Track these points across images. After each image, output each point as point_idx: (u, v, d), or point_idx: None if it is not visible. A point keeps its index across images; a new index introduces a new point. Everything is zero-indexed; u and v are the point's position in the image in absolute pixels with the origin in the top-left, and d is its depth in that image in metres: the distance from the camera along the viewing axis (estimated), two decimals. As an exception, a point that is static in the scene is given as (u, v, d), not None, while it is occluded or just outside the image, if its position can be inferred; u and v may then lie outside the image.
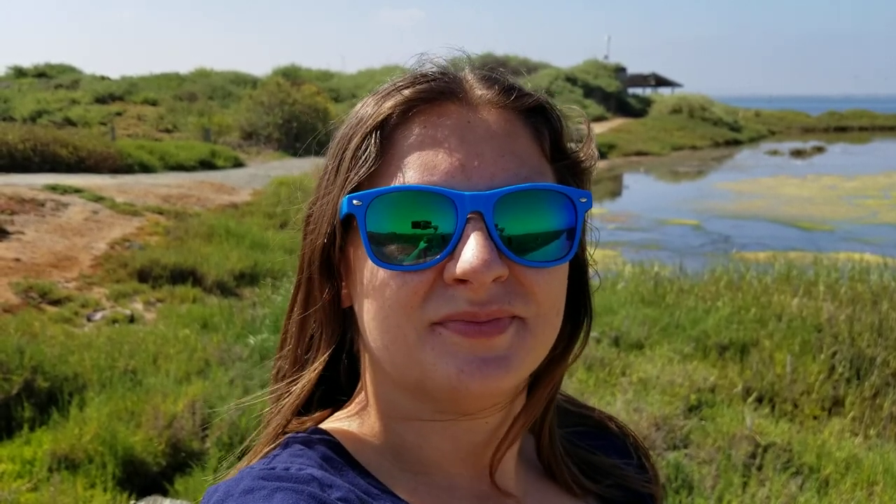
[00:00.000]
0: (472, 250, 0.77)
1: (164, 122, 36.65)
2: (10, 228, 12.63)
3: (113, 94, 41.07)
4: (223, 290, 10.95)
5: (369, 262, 0.82)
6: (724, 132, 61.44)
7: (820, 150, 53.39)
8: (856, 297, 9.78)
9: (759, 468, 5.41)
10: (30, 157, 20.67)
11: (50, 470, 5.20)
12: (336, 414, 0.96)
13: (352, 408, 0.96)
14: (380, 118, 0.84)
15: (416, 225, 0.80)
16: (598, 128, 50.08)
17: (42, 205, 14.40)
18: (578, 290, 0.96)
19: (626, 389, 6.82)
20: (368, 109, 0.87)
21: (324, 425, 0.93)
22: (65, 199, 15.28)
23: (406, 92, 0.85)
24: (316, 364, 0.93)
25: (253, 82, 44.78)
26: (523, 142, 0.85)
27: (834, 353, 7.94)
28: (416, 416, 0.89)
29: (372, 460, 0.89)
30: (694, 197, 28.57)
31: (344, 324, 0.93)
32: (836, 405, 7.27)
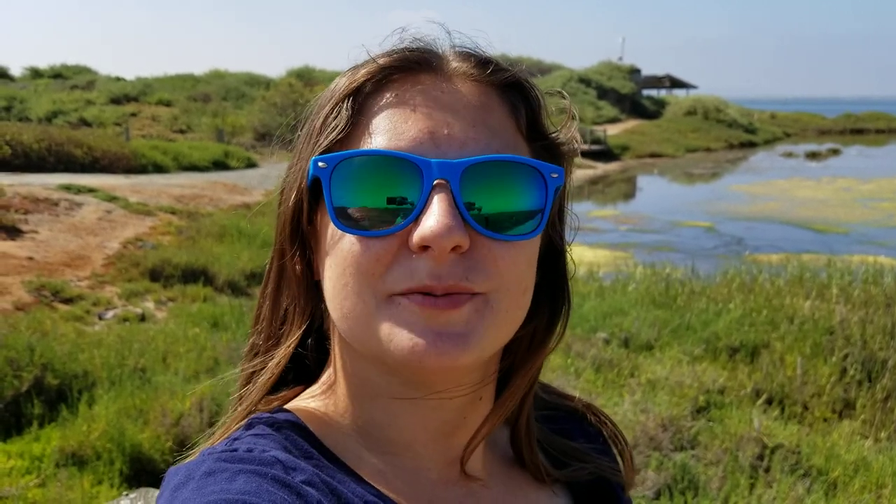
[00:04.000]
0: (433, 215, 0.76)
1: (178, 122, 36.88)
2: (23, 227, 12.73)
3: (128, 95, 41.36)
4: (234, 289, 11.00)
5: (333, 227, 0.81)
6: (739, 134, 61.21)
7: (835, 152, 53.08)
8: (869, 299, 9.72)
9: (767, 470, 5.38)
10: (44, 157, 20.83)
11: (58, 466, 5.23)
12: (303, 394, 0.95)
13: (319, 387, 0.94)
14: (353, 86, 0.84)
15: (391, 200, 0.79)
16: (612, 129, 49.99)
17: (56, 204, 14.51)
18: (556, 276, 0.94)
19: (634, 390, 6.80)
20: (342, 80, 0.86)
21: (290, 405, 0.91)
22: (78, 198, 15.39)
23: (381, 61, 0.84)
24: (290, 340, 0.92)
25: (266, 83, 44.97)
26: (497, 116, 0.84)
27: (845, 356, 7.89)
28: (385, 393, 0.87)
29: (338, 441, 0.87)
30: (707, 199, 28.46)
31: (317, 298, 0.91)
32: (846, 408, 7.23)
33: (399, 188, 0.78)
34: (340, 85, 0.86)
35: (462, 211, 0.78)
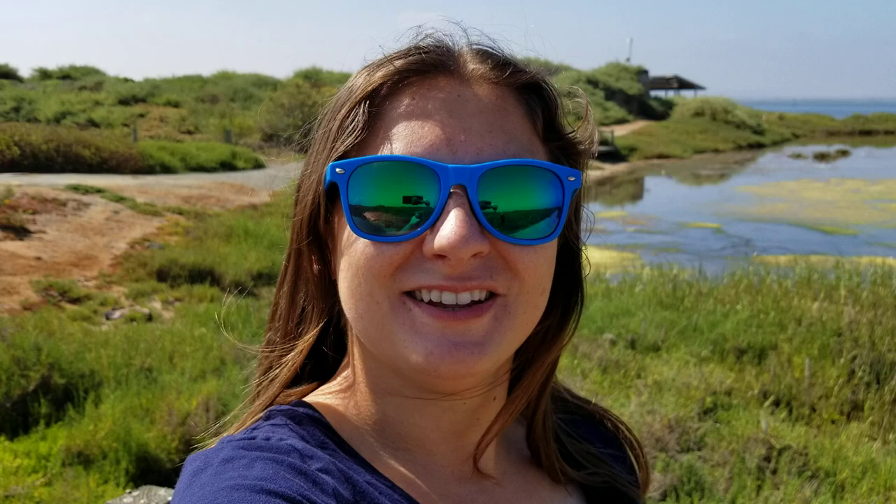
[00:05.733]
0: (450, 225, 0.76)
1: (185, 123, 36.94)
2: (31, 228, 12.77)
3: (136, 96, 41.43)
4: (241, 289, 11.00)
5: (349, 229, 0.82)
6: (747, 135, 61.04)
7: (844, 153, 52.89)
8: (877, 301, 9.65)
9: (774, 472, 5.36)
10: (53, 158, 20.90)
11: (64, 465, 5.24)
12: (321, 388, 0.96)
13: (337, 382, 0.95)
14: (369, 88, 0.83)
15: (406, 199, 0.79)
16: (619, 130, 49.90)
17: (64, 204, 14.55)
18: (571, 275, 0.94)
19: (640, 391, 6.78)
20: (360, 80, 0.86)
21: (308, 399, 0.93)
22: (86, 198, 15.43)
23: (398, 63, 0.83)
24: (308, 336, 0.93)
25: (274, 84, 45.01)
26: (514, 118, 0.84)
27: (854, 358, 7.84)
28: (398, 392, 0.88)
29: (353, 434, 0.88)
30: (715, 200, 28.38)
31: (334, 296, 0.92)
32: (855, 409, 7.18)
33: (416, 189, 0.79)
34: (357, 86, 0.85)
35: (480, 217, 0.78)
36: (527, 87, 0.86)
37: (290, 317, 0.95)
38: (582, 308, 0.95)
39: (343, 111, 0.85)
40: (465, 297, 0.79)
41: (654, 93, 78.05)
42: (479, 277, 0.79)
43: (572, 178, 0.83)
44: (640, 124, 58.68)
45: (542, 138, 0.86)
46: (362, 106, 0.83)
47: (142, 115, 38.11)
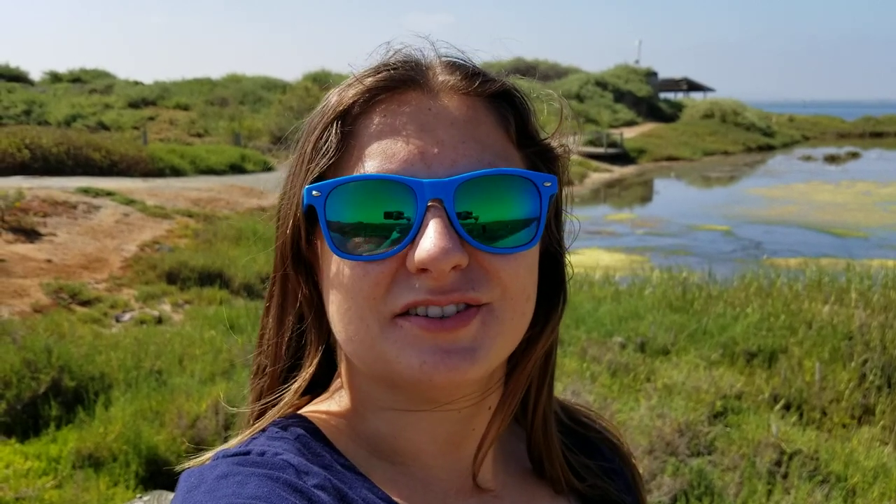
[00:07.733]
0: (429, 239, 0.76)
1: (195, 126, 37.10)
2: (42, 230, 12.83)
3: (146, 99, 41.63)
4: (250, 292, 11.04)
5: (332, 254, 0.82)
6: (757, 137, 60.86)
7: (855, 155, 52.69)
8: (889, 304, 9.60)
9: (785, 476, 5.33)
10: (63, 161, 21.00)
11: (74, 467, 5.26)
12: (314, 401, 0.95)
13: (329, 396, 0.95)
14: (340, 108, 0.83)
15: (387, 215, 0.79)
16: (628, 132, 49.80)
17: (74, 207, 14.62)
18: (555, 279, 0.94)
19: (650, 395, 6.76)
20: (331, 100, 0.86)
21: (302, 411, 0.92)
22: (97, 201, 15.50)
23: (367, 81, 0.84)
24: (312, 362, 0.92)
25: (283, 87, 45.09)
26: (486, 128, 0.84)
27: (865, 361, 7.80)
28: (390, 407, 0.88)
29: (349, 448, 0.88)
30: (725, 202, 28.32)
31: (325, 316, 0.91)
32: (866, 413, 7.14)
33: (395, 205, 0.79)
34: (328, 107, 0.85)
35: (458, 229, 0.78)
36: (497, 96, 0.86)
37: (278, 341, 0.94)
38: (563, 310, 0.94)
39: (316, 133, 0.84)
40: (450, 309, 0.79)
41: (663, 95, 77.78)
42: (461, 289, 0.79)
43: (548, 184, 0.84)
44: (649, 126, 58.55)
45: (516, 145, 0.87)
46: (334, 126, 0.83)
47: (151, 118, 38.30)
